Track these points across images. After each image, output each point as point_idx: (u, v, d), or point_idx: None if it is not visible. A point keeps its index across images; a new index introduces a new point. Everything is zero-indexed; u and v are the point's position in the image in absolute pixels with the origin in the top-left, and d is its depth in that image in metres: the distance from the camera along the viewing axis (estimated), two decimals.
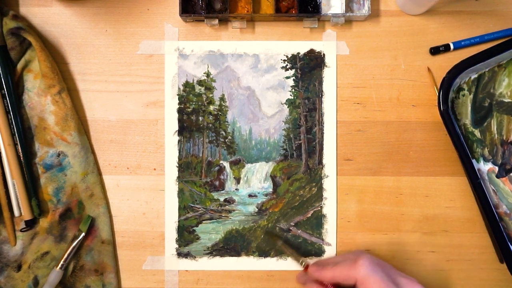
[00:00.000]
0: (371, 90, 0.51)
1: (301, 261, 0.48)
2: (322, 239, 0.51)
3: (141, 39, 0.51)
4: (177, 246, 0.51)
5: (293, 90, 0.52)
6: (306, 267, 0.47)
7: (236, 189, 0.52)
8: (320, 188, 0.51)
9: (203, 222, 0.51)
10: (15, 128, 0.49)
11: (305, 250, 0.51)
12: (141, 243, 0.51)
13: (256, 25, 0.52)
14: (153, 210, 0.51)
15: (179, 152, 0.51)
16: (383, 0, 0.52)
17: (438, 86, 0.50)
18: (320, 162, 0.51)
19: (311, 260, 0.50)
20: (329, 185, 0.51)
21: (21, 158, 0.49)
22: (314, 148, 0.51)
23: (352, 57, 0.52)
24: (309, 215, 0.51)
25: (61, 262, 0.48)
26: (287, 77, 0.52)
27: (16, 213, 0.49)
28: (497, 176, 0.50)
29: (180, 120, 0.51)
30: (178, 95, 0.51)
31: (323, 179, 0.51)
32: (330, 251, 0.51)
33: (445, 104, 0.46)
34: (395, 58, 0.51)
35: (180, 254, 0.51)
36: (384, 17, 0.52)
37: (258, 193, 0.52)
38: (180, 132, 0.51)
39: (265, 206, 0.52)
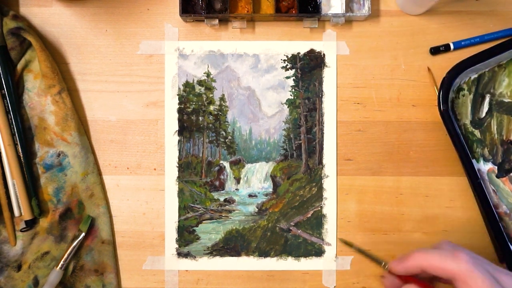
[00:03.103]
0: (371, 90, 0.52)
1: (383, 263, 0.42)
2: (322, 239, 0.51)
3: (141, 39, 0.51)
4: (177, 246, 0.51)
5: (293, 90, 0.52)
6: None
7: (236, 189, 0.52)
8: (320, 188, 0.51)
9: (203, 222, 0.51)
10: (15, 128, 0.49)
11: (305, 250, 0.51)
12: (141, 243, 0.51)
13: (256, 25, 0.52)
14: (153, 210, 0.51)
15: (179, 152, 0.51)
16: (383, 0, 0.52)
17: (438, 86, 0.50)
18: (320, 162, 0.51)
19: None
20: (329, 185, 0.51)
21: (21, 158, 0.49)
22: (314, 148, 0.51)
23: (352, 57, 0.52)
24: (309, 215, 0.51)
25: (61, 262, 0.48)
26: (287, 77, 0.52)
27: (16, 213, 0.49)
28: (497, 176, 0.50)
29: (180, 120, 0.51)
30: (178, 95, 0.51)
31: (323, 179, 0.51)
32: (330, 251, 0.51)
33: (445, 104, 0.46)
34: (395, 58, 0.52)
35: (180, 254, 0.51)
36: (384, 17, 0.52)
37: (258, 193, 0.52)
38: (180, 132, 0.51)
39: (265, 206, 0.52)
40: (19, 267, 0.49)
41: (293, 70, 0.52)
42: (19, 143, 0.49)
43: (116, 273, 0.50)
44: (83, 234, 0.49)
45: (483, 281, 0.35)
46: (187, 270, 0.51)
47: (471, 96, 0.50)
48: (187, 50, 0.51)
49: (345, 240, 0.49)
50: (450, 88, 0.47)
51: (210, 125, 0.52)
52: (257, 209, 0.52)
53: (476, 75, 0.50)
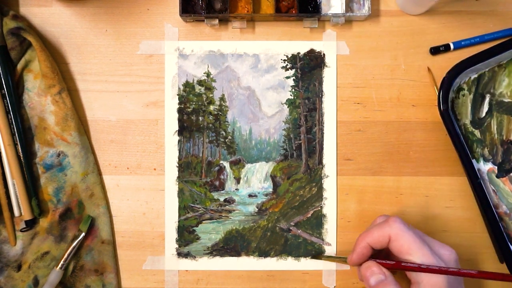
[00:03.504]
0: (371, 90, 0.52)
1: (346, 260, 0.46)
2: (322, 239, 0.51)
3: (141, 39, 0.51)
4: (177, 246, 0.51)
5: (293, 90, 0.52)
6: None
7: (236, 189, 0.52)
8: (320, 188, 0.51)
9: (203, 222, 0.51)
10: (15, 128, 0.49)
11: (305, 250, 0.51)
12: (141, 243, 0.51)
13: (256, 25, 0.52)
14: (153, 210, 0.51)
15: (179, 152, 0.51)
16: (383, 0, 0.52)
17: (438, 86, 0.50)
18: (320, 162, 0.51)
19: None
20: (329, 185, 0.51)
21: (21, 158, 0.49)
22: (314, 148, 0.51)
23: (352, 57, 0.52)
24: (309, 215, 0.51)
25: (61, 262, 0.48)
26: (287, 77, 0.52)
27: (16, 213, 0.49)
28: (497, 176, 0.50)
29: (180, 120, 0.51)
30: (178, 95, 0.51)
31: (323, 179, 0.51)
32: (330, 251, 0.51)
33: (445, 104, 0.46)
34: (395, 58, 0.52)
35: (180, 254, 0.51)
36: (384, 17, 0.52)
37: (258, 193, 0.52)
38: (180, 132, 0.51)
39: (265, 206, 0.52)
40: (19, 267, 0.49)
41: (293, 70, 0.52)
42: (19, 143, 0.49)
43: (116, 273, 0.50)
44: (83, 234, 0.49)
45: (410, 237, 0.40)
46: (187, 270, 0.51)
47: (471, 96, 0.50)
48: (187, 50, 0.51)
49: (314, 255, 0.51)
50: (450, 88, 0.47)
51: (210, 125, 0.52)
52: (257, 209, 0.52)
53: (476, 75, 0.50)
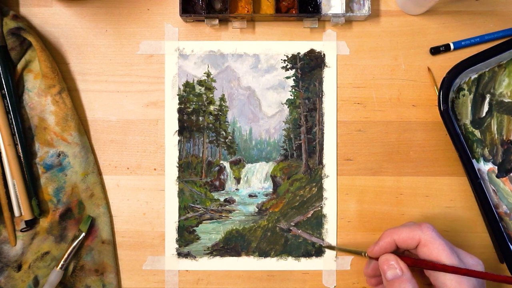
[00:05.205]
0: (371, 90, 0.52)
1: (362, 253, 0.46)
2: (322, 239, 0.51)
3: (141, 39, 0.51)
4: (177, 246, 0.51)
5: (293, 90, 0.52)
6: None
7: (236, 189, 0.52)
8: (320, 188, 0.51)
9: (203, 222, 0.51)
10: (15, 128, 0.49)
11: (305, 250, 0.51)
12: (141, 243, 0.51)
13: (256, 25, 0.52)
14: (153, 210, 0.51)
15: (179, 152, 0.51)
16: (383, 0, 0.52)
17: (438, 86, 0.50)
18: (320, 162, 0.51)
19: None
20: (329, 185, 0.51)
21: (21, 158, 0.49)
22: (314, 148, 0.51)
23: (352, 57, 0.52)
24: (309, 215, 0.51)
25: (61, 262, 0.48)
26: (287, 77, 0.52)
27: (16, 213, 0.49)
28: (497, 176, 0.50)
29: (180, 120, 0.51)
30: (178, 95, 0.51)
31: (323, 179, 0.51)
32: (330, 251, 0.51)
33: (445, 104, 0.47)
34: (395, 58, 0.52)
35: (180, 254, 0.51)
36: (384, 17, 0.52)
37: (258, 193, 0.52)
38: (180, 132, 0.51)
39: (265, 206, 0.52)
40: (19, 267, 0.49)
41: (293, 70, 0.52)
42: (19, 143, 0.49)
43: (116, 273, 0.50)
44: (83, 234, 0.49)
45: (441, 245, 0.41)
46: (187, 270, 0.51)
47: (471, 96, 0.50)
48: (187, 50, 0.51)
49: (328, 245, 0.51)
50: (450, 88, 0.47)
51: (210, 125, 0.52)
52: (257, 209, 0.52)
53: (476, 75, 0.50)
